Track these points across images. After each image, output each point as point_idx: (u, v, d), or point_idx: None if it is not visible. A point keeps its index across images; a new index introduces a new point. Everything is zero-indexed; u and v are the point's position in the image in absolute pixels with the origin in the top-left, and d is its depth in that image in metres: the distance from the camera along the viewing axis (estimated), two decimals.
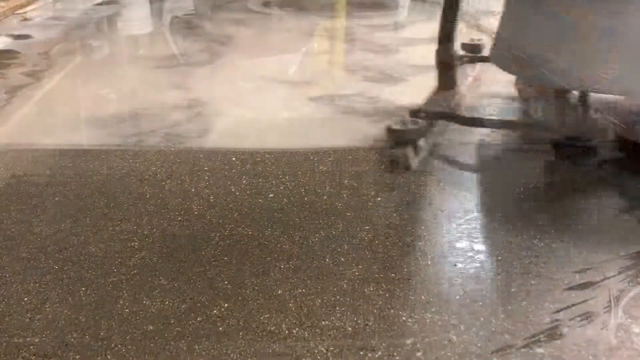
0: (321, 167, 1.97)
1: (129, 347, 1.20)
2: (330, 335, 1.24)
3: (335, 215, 1.68)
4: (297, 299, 1.34)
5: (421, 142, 2.01)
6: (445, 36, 2.23)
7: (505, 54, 2.16)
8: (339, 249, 1.52)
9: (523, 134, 2.18)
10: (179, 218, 1.68)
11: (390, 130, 1.98)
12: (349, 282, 1.40)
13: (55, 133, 2.30)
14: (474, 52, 2.71)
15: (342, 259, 1.48)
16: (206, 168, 1.98)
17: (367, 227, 1.62)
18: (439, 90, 2.33)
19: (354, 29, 4.00)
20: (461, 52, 2.69)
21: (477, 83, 2.68)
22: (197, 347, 1.20)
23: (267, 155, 2.07)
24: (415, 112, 2.08)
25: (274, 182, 1.89)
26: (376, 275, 1.42)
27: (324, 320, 1.28)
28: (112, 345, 1.21)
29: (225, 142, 2.22)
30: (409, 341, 1.22)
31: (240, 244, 1.56)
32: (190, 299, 1.35)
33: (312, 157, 2.03)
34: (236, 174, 1.94)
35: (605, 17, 1.80)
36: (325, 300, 1.34)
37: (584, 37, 1.85)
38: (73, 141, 2.22)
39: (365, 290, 1.37)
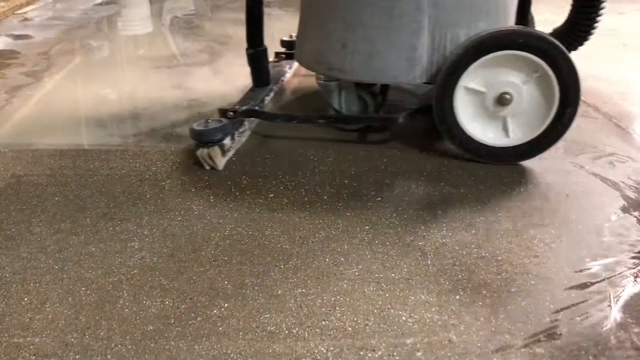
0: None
1: (129, 347, 1.20)
2: (330, 335, 1.24)
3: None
4: (297, 299, 1.35)
5: (227, 141, 2.02)
6: (255, 34, 2.27)
7: (302, 51, 2.26)
8: None
9: (326, 125, 2.25)
10: (179, 218, 1.68)
11: (191, 131, 2.00)
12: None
13: (55, 133, 2.30)
14: (292, 49, 2.75)
15: None
16: (207, 168, 1.98)
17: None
18: (254, 87, 2.40)
19: None
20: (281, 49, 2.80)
21: (294, 79, 2.72)
22: (197, 347, 1.21)
23: (267, 156, 2.08)
24: (223, 111, 2.12)
25: (273, 181, 1.89)
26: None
27: (324, 320, 1.28)
28: (112, 345, 1.21)
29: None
30: (409, 341, 1.22)
31: (240, 244, 1.56)
32: (190, 299, 1.35)
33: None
34: (236, 174, 1.94)
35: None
36: (325, 300, 1.34)
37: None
38: (73, 141, 2.22)
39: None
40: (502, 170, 1.95)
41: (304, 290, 1.37)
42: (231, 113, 2.09)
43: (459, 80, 1.89)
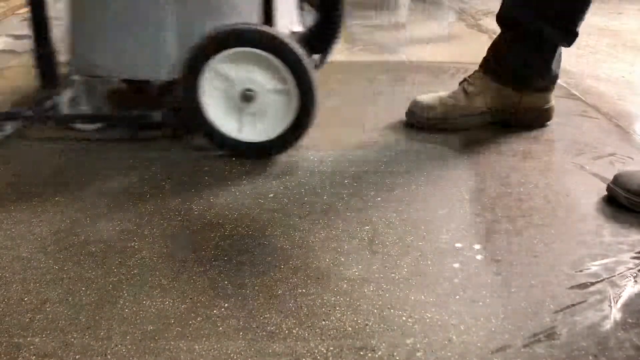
0: None
1: (129, 347, 1.20)
2: (330, 335, 1.24)
3: None
4: (297, 299, 1.35)
5: None
6: (42, 35, 2.19)
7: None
8: None
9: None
10: (179, 218, 1.68)
11: None
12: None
13: (55, 133, 2.30)
14: None
15: None
16: (206, 168, 1.98)
17: None
18: (41, 89, 2.31)
19: (352, 28, 4.00)
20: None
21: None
22: (197, 347, 1.20)
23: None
24: None
25: (274, 182, 1.89)
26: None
27: (324, 320, 1.28)
28: (112, 345, 1.21)
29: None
30: (409, 341, 1.22)
31: (240, 244, 1.56)
32: (190, 299, 1.35)
33: None
34: (236, 174, 1.94)
35: None
36: (325, 300, 1.34)
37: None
38: (73, 140, 2.22)
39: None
40: (500, 171, 1.95)
41: (304, 290, 1.37)
42: None
43: (201, 76, 1.93)
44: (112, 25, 2.03)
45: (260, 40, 1.90)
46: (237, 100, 1.98)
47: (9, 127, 2.18)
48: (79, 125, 2.26)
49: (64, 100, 2.24)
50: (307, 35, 2.15)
